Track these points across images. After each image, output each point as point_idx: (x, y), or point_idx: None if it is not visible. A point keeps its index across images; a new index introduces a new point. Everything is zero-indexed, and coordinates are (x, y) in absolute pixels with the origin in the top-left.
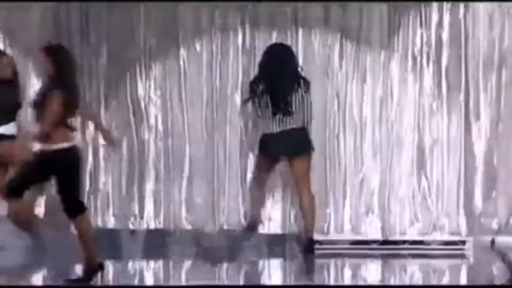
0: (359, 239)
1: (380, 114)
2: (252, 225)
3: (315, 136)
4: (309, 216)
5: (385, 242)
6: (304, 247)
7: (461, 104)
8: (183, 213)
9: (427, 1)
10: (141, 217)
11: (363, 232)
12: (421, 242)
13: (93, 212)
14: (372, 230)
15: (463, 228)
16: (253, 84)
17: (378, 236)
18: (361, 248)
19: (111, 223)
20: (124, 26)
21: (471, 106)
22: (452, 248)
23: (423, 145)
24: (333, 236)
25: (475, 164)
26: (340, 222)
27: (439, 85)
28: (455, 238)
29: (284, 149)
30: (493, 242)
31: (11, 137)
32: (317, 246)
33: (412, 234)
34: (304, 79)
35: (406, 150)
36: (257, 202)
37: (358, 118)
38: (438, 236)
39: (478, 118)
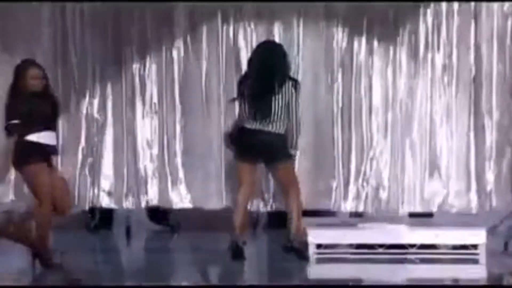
0: (363, 242)
1: (390, 89)
2: (237, 251)
3: (322, 111)
4: (295, 218)
5: (392, 246)
6: (295, 250)
7: (472, 79)
8: (182, 190)
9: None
10: (138, 196)
11: (370, 208)
12: (430, 246)
13: (87, 191)
14: (379, 206)
15: (474, 205)
16: (240, 83)
17: (385, 210)
18: (366, 252)
19: (105, 202)
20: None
21: (483, 81)
22: (463, 253)
23: (434, 120)
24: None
25: (486, 140)
26: (346, 198)
27: (449, 60)
28: (466, 212)
29: (260, 154)
30: (506, 245)
31: (47, 147)
32: (320, 250)
33: (419, 210)
34: (294, 80)
35: (416, 125)
36: (238, 218)
37: (367, 93)
38: (448, 211)
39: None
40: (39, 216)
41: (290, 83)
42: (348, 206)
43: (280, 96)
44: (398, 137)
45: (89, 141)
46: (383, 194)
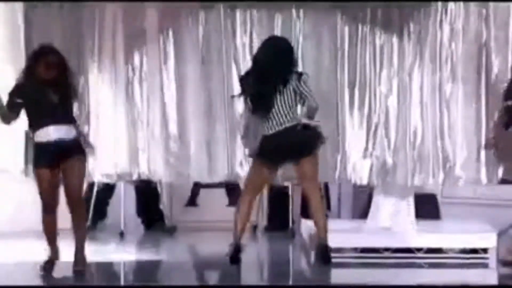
0: (369, 246)
1: (395, 56)
2: (235, 255)
3: (325, 79)
4: (320, 220)
5: (398, 250)
6: (320, 255)
7: (482, 43)
8: (176, 164)
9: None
10: (129, 168)
11: (376, 180)
12: (438, 250)
13: None
14: (385, 178)
15: (482, 177)
16: (243, 79)
17: (391, 182)
18: (372, 256)
19: (96, 176)
20: None
21: (492, 45)
22: (473, 257)
23: (442, 88)
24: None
25: (496, 110)
26: (350, 170)
27: (458, 24)
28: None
29: (284, 153)
30: None
31: (56, 144)
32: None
33: (426, 181)
34: (298, 73)
35: (423, 93)
36: (241, 222)
37: (371, 61)
38: (455, 182)
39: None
40: (43, 223)
41: (295, 76)
42: (353, 177)
43: (288, 93)
44: (405, 105)
45: (80, 112)
46: (390, 166)
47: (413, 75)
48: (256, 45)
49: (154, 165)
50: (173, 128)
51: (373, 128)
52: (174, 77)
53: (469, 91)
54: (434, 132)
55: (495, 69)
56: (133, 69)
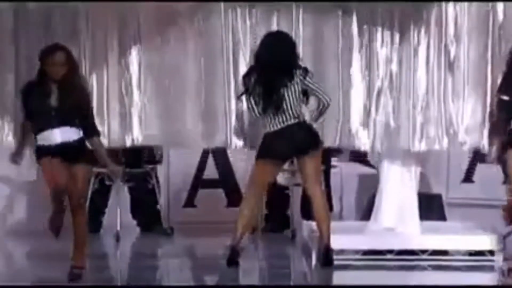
0: (372, 248)
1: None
2: (233, 257)
3: (325, 46)
4: (323, 222)
5: (402, 252)
6: (322, 257)
7: (490, 7)
8: (170, 130)
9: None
10: (122, 134)
11: (379, 146)
12: (443, 253)
13: None
14: (389, 143)
15: (485, 142)
16: (246, 76)
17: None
18: (375, 259)
19: None
20: None
21: (498, 8)
22: (480, 259)
23: (448, 51)
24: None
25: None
26: (352, 136)
27: None
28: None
29: (288, 149)
30: None
31: (54, 147)
32: None
33: (430, 147)
34: (303, 69)
35: (427, 57)
36: (243, 225)
37: (373, 25)
38: (459, 147)
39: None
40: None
41: (299, 72)
42: (355, 144)
43: (292, 89)
44: (408, 70)
45: None
46: (393, 131)
47: (419, 39)
48: (253, 17)
49: (147, 131)
50: (168, 94)
51: (375, 93)
52: (172, 44)
53: (475, 55)
54: (438, 97)
55: (502, 32)
56: (127, 37)
